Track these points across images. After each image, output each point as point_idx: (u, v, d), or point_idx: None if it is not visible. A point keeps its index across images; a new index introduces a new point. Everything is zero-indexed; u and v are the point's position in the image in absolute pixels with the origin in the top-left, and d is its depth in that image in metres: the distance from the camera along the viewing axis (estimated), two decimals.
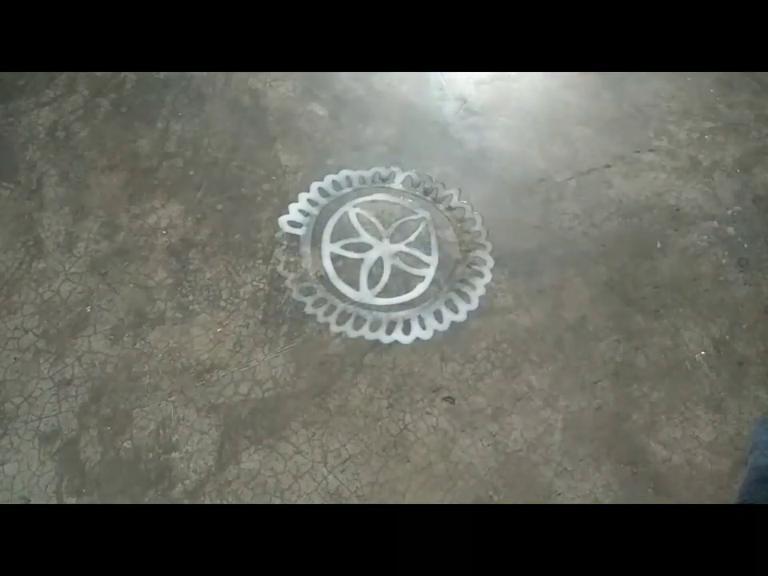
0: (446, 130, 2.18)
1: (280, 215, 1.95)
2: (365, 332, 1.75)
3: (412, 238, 1.94)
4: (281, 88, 2.24)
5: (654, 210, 2.03)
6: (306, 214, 1.96)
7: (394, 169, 2.07)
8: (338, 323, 1.76)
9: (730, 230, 2.00)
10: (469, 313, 1.80)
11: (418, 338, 1.75)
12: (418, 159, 2.10)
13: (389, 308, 1.81)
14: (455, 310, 1.80)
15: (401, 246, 1.92)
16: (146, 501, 1.49)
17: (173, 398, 1.62)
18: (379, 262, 1.89)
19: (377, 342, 1.74)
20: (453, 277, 1.88)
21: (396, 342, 1.74)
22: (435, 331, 1.76)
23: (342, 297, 1.82)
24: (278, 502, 1.50)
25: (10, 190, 1.94)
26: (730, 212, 2.04)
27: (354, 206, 1.99)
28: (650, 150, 2.17)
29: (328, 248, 1.91)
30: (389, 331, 1.76)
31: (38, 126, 2.07)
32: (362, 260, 1.89)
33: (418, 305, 1.82)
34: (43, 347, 1.67)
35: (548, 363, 1.73)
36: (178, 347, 1.69)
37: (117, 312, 1.74)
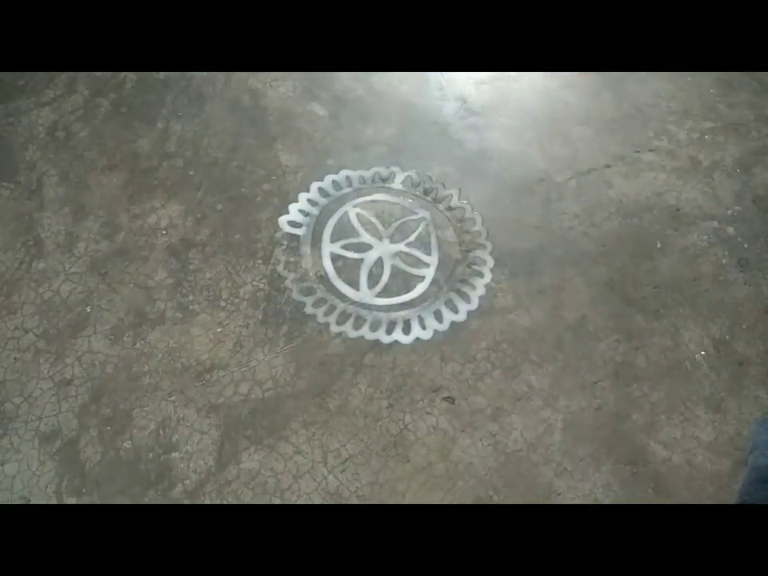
0: (446, 129, 2.18)
1: (280, 215, 1.95)
2: (365, 332, 1.75)
3: (412, 238, 1.94)
4: (281, 88, 2.24)
5: (654, 210, 2.03)
6: (306, 214, 1.96)
7: (393, 169, 2.07)
8: (338, 323, 1.76)
9: (730, 230, 2.00)
10: (469, 313, 1.80)
11: (418, 338, 1.75)
12: (418, 159, 2.10)
13: (389, 308, 1.81)
14: (455, 310, 1.80)
15: (401, 246, 1.92)
16: (146, 501, 1.49)
17: (173, 398, 1.62)
18: (379, 262, 1.89)
19: (377, 342, 1.74)
20: (453, 277, 1.88)
21: (396, 341, 1.74)
22: (435, 331, 1.76)
23: (342, 297, 1.82)
24: (277, 501, 1.50)
25: (10, 190, 1.94)
26: (729, 212, 2.04)
27: (354, 206, 1.99)
28: (650, 150, 2.17)
29: (328, 248, 1.91)
30: (389, 331, 1.76)
31: (38, 126, 2.07)
32: (361, 260, 1.89)
33: (418, 305, 1.82)
34: (43, 347, 1.67)
35: (548, 363, 1.73)
36: (178, 347, 1.70)
37: (117, 312, 1.74)
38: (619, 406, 1.67)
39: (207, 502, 1.49)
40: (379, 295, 1.83)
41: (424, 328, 1.77)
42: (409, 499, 1.52)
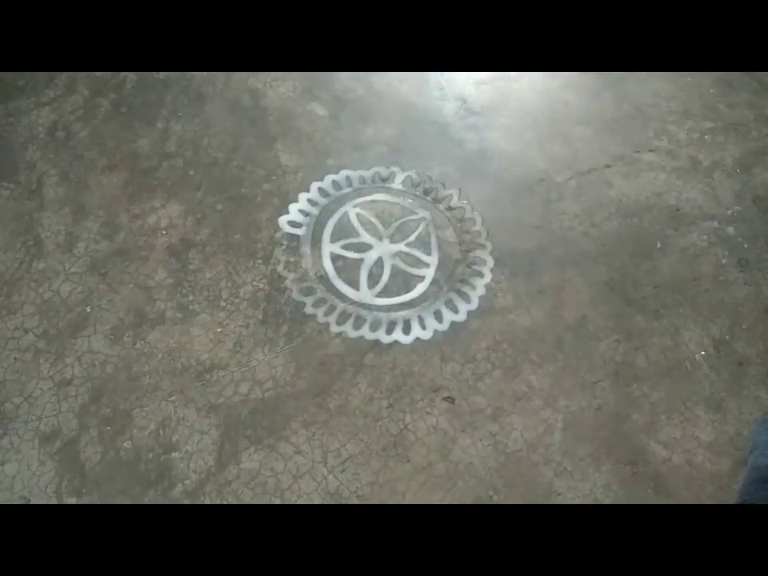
0: (446, 129, 2.18)
1: (280, 215, 1.95)
2: (365, 332, 1.75)
3: (412, 238, 1.94)
4: (281, 88, 2.24)
5: (654, 210, 2.03)
6: (306, 214, 1.96)
7: (393, 169, 2.07)
8: (338, 323, 1.76)
9: (730, 230, 2.00)
10: (469, 313, 1.80)
11: (418, 338, 1.75)
12: (418, 159, 2.10)
13: (389, 308, 1.81)
14: (455, 310, 1.80)
15: (401, 246, 1.92)
16: (146, 501, 1.49)
17: (173, 398, 1.62)
18: (379, 262, 1.89)
19: (377, 342, 1.74)
20: (453, 277, 1.88)
21: (396, 341, 1.74)
22: (435, 331, 1.76)
23: (342, 297, 1.82)
24: (277, 501, 1.50)
25: (10, 190, 1.94)
26: (729, 212, 2.04)
27: (354, 206, 1.99)
28: (650, 150, 2.17)
29: (328, 248, 1.91)
30: (389, 331, 1.76)
31: (38, 126, 2.07)
32: (361, 260, 1.89)
33: (418, 305, 1.82)
34: (43, 347, 1.67)
35: (548, 363, 1.73)
36: (178, 347, 1.70)
37: (117, 312, 1.74)
38: (619, 405, 1.67)
39: (207, 501, 1.49)
40: (379, 295, 1.83)
41: (424, 328, 1.77)
42: (409, 499, 1.52)
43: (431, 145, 2.14)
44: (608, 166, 2.12)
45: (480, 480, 1.55)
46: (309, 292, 1.82)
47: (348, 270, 1.87)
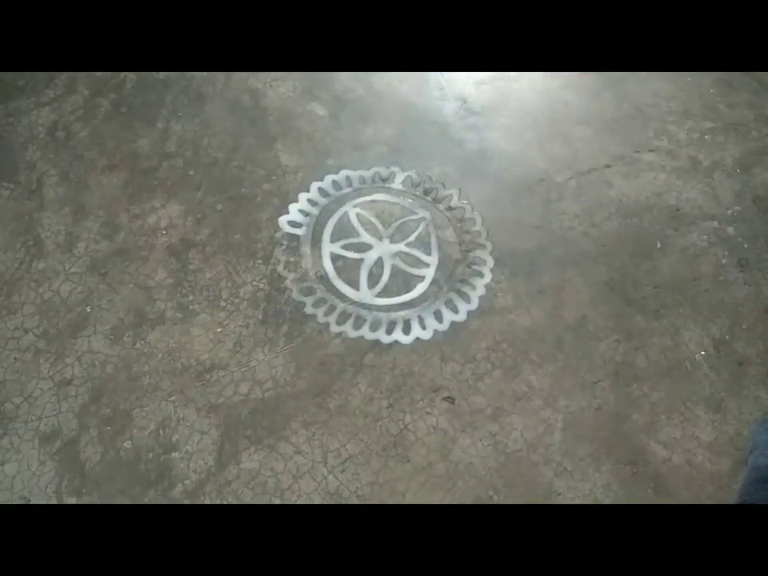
0: (446, 129, 2.18)
1: (280, 215, 1.95)
2: (365, 332, 1.75)
3: (412, 238, 1.94)
4: (281, 88, 2.24)
5: (654, 210, 2.03)
6: (306, 214, 1.96)
7: (393, 169, 2.07)
8: (338, 323, 1.76)
9: (730, 230, 2.00)
10: (469, 313, 1.80)
11: (418, 338, 1.75)
12: (418, 159, 2.10)
13: (389, 308, 1.81)
14: (455, 310, 1.80)
15: (401, 246, 1.92)
16: (146, 501, 1.49)
17: (173, 398, 1.62)
18: (379, 262, 1.89)
19: (377, 342, 1.74)
20: (453, 277, 1.88)
21: (396, 341, 1.74)
22: (435, 331, 1.76)
23: (342, 297, 1.82)
24: (277, 501, 1.50)
25: (10, 190, 1.94)
26: (729, 212, 2.04)
27: (354, 206, 1.99)
28: (650, 150, 2.17)
29: (328, 248, 1.91)
30: (389, 331, 1.76)
31: (38, 126, 2.07)
32: (362, 260, 1.89)
33: (418, 305, 1.82)
34: (43, 347, 1.67)
35: (548, 363, 1.73)
36: (178, 347, 1.70)
37: (117, 312, 1.74)
38: (619, 405, 1.67)
39: (207, 501, 1.49)
40: (379, 295, 1.83)
41: (424, 328, 1.77)
42: (409, 499, 1.52)
43: (431, 145, 2.14)
44: (608, 166, 2.12)
45: (480, 480, 1.55)
46: (309, 292, 1.82)
47: (348, 269, 1.87)
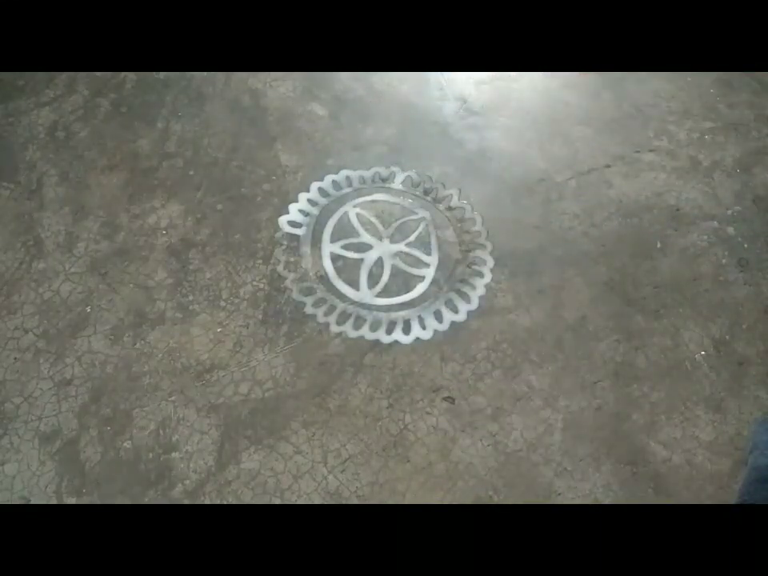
0: (446, 129, 2.18)
1: (280, 215, 1.95)
2: (365, 332, 1.75)
3: (412, 238, 1.94)
4: (281, 88, 2.24)
5: (654, 210, 2.03)
6: (306, 214, 1.96)
7: (393, 169, 2.07)
8: (338, 323, 1.76)
9: (730, 230, 2.00)
10: (469, 313, 1.80)
11: (418, 338, 1.75)
12: (418, 159, 2.10)
13: (389, 308, 1.81)
14: (455, 310, 1.80)
15: (401, 246, 1.92)
16: (146, 501, 1.49)
17: (173, 398, 1.62)
18: (379, 262, 1.89)
19: (377, 342, 1.74)
20: (453, 277, 1.88)
21: (396, 341, 1.74)
22: (435, 331, 1.76)
23: (342, 297, 1.82)
24: (277, 501, 1.50)
25: (10, 190, 1.94)
26: (729, 212, 2.04)
27: (354, 206, 1.99)
28: (650, 150, 2.17)
29: (328, 248, 1.91)
30: (389, 331, 1.76)
31: (38, 126, 2.07)
32: (361, 260, 1.89)
33: (418, 305, 1.82)
34: (43, 347, 1.67)
35: (548, 363, 1.73)
36: (178, 347, 1.70)
37: (117, 312, 1.74)
38: (619, 405, 1.67)
39: (207, 501, 1.49)
40: (379, 295, 1.83)
41: (424, 328, 1.77)
42: (409, 499, 1.52)
43: (431, 145, 2.14)
44: (608, 166, 2.12)
45: (480, 480, 1.55)
46: (309, 292, 1.82)
47: (348, 270, 1.87)
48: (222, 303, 1.77)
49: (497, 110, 2.24)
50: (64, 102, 2.13)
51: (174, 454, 1.55)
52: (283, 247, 1.89)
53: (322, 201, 1.99)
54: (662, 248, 1.95)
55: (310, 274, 1.85)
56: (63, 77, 2.19)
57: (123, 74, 2.22)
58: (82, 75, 2.20)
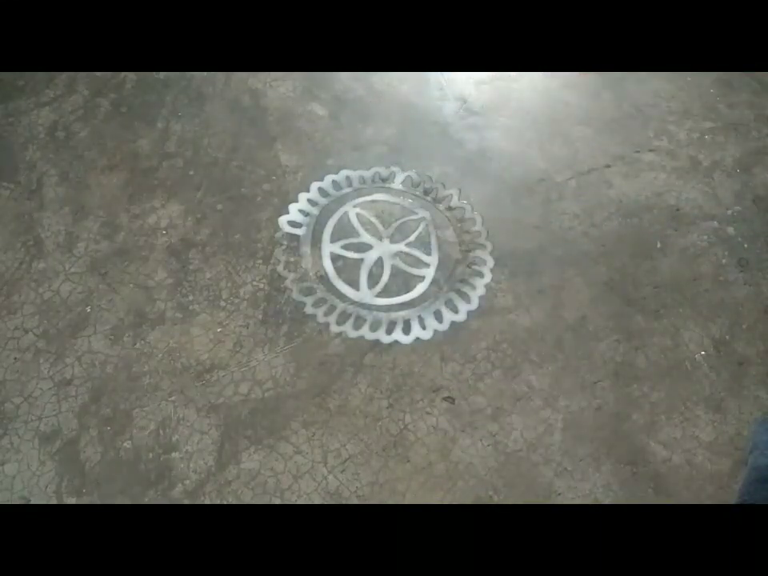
0: (446, 129, 2.18)
1: (280, 215, 1.95)
2: (365, 332, 1.75)
3: (412, 238, 1.94)
4: (281, 88, 2.24)
5: (654, 210, 2.03)
6: (306, 214, 1.96)
7: (393, 169, 2.07)
8: (338, 323, 1.76)
9: (730, 230, 2.00)
10: (469, 313, 1.80)
11: (418, 338, 1.75)
12: (418, 159, 2.10)
13: (389, 308, 1.81)
14: (455, 310, 1.80)
15: (401, 246, 1.92)
16: (146, 501, 1.49)
17: (173, 398, 1.62)
18: (379, 262, 1.89)
19: (377, 342, 1.74)
20: (453, 277, 1.88)
21: (396, 341, 1.74)
22: (435, 331, 1.76)
23: (342, 297, 1.82)
24: (278, 501, 1.50)
25: (10, 190, 1.94)
26: (729, 212, 2.04)
27: (354, 206, 1.99)
28: (650, 150, 2.17)
29: (328, 248, 1.91)
30: (389, 331, 1.76)
31: (38, 126, 2.07)
32: (362, 260, 1.89)
33: (418, 305, 1.82)
34: (43, 347, 1.67)
35: (548, 363, 1.73)
36: (178, 347, 1.70)
37: (117, 312, 1.74)
38: (619, 405, 1.67)
39: (207, 501, 1.49)
40: (379, 295, 1.83)
41: (424, 328, 1.77)
42: (409, 499, 1.52)
43: (431, 145, 2.14)
44: (608, 166, 2.12)
45: (480, 480, 1.55)
46: (309, 292, 1.82)
47: (348, 269, 1.87)
48: (222, 303, 1.77)
49: (497, 109, 2.24)
50: (64, 102, 2.13)
51: (174, 454, 1.55)
52: (283, 247, 1.89)
53: (322, 201, 1.99)
54: (662, 248, 1.95)
55: (310, 273, 1.85)
56: (63, 77, 2.19)
57: (123, 74, 2.22)
58: (82, 75, 2.20)
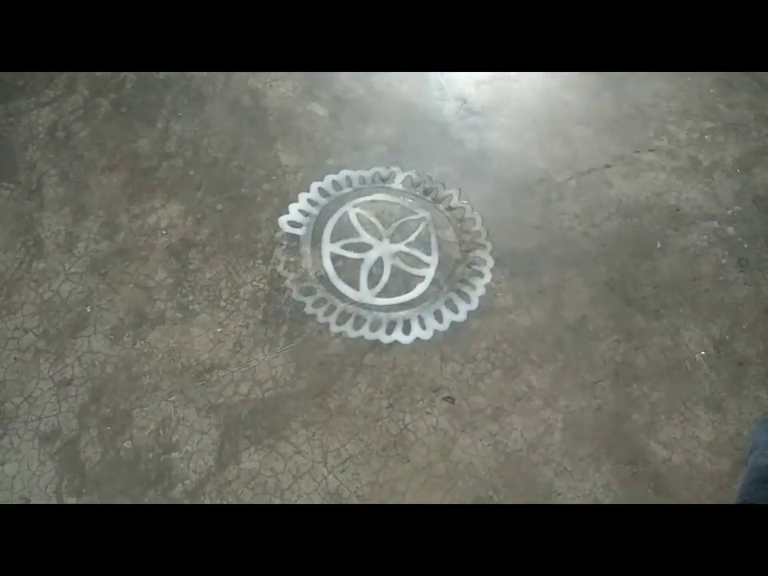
0: (446, 129, 2.18)
1: (280, 215, 1.95)
2: (365, 332, 1.75)
3: (412, 238, 1.94)
4: (281, 88, 2.24)
5: (654, 210, 2.03)
6: (306, 214, 1.96)
7: (393, 169, 2.07)
8: (338, 323, 1.76)
9: (730, 230, 2.00)
10: (469, 313, 1.80)
11: (418, 338, 1.75)
12: (418, 159, 2.10)
13: (389, 308, 1.81)
14: (455, 310, 1.80)
15: (401, 246, 1.92)
16: (146, 501, 1.49)
17: (173, 398, 1.62)
18: (379, 262, 1.89)
19: (377, 342, 1.74)
20: (453, 277, 1.88)
21: (396, 341, 1.74)
22: (435, 331, 1.76)
23: (342, 297, 1.82)
24: (277, 501, 1.50)
25: (10, 190, 1.94)
26: (729, 212, 2.04)
27: (354, 206, 1.99)
28: (650, 150, 2.17)
29: (328, 248, 1.91)
30: (389, 331, 1.76)
31: (38, 126, 2.07)
32: (361, 260, 1.89)
33: (418, 305, 1.82)
34: (43, 347, 1.67)
35: (548, 363, 1.73)
36: (178, 347, 1.70)
37: (117, 312, 1.74)
38: (619, 405, 1.67)
39: (207, 501, 1.49)
40: (379, 295, 1.83)
41: (424, 328, 1.77)
42: (409, 499, 1.52)
43: (431, 145, 2.14)
44: (608, 166, 2.12)
45: (480, 480, 1.55)
46: (309, 292, 1.82)
47: (348, 270, 1.87)
48: (222, 303, 1.77)
49: (497, 109, 2.24)
50: (64, 102, 2.13)
51: (174, 454, 1.55)
52: (283, 247, 1.89)
53: (322, 201, 1.99)
54: (662, 248, 1.95)
55: (310, 274, 1.85)
56: (63, 77, 2.19)
57: (123, 74, 2.22)
58: (82, 75, 2.20)
